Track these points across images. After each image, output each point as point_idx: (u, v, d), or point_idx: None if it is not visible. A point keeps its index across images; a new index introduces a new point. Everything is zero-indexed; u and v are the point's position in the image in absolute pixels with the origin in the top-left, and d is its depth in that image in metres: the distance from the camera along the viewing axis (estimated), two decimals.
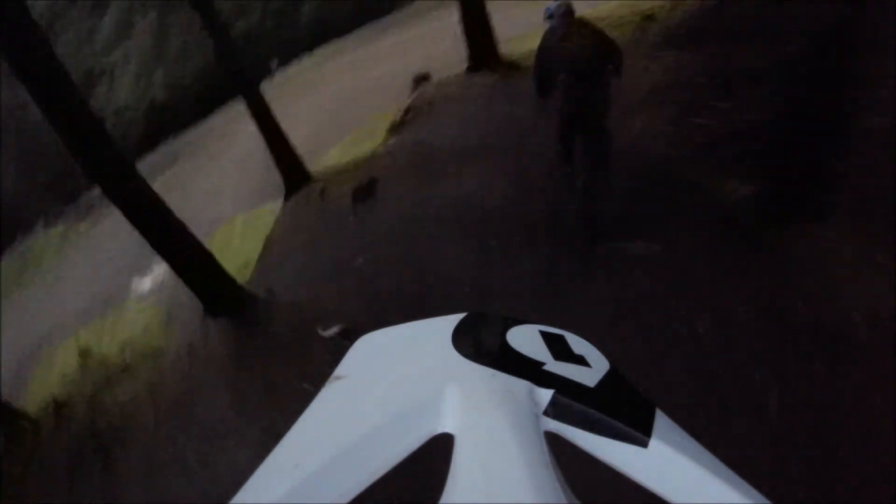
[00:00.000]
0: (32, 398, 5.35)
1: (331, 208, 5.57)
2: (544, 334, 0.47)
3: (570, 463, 0.37)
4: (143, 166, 11.26)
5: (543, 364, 0.43)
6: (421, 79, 8.01)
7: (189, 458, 3.13)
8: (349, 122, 8.37)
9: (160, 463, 3.19)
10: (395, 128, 6.85)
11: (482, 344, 0.46)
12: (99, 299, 7.51)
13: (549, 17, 2.89)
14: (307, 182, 6.42)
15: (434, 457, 0.36)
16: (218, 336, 4.16)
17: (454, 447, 0.34)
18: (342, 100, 9.87)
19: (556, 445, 0.36)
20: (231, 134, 11.11)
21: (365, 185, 5.53)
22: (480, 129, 5.48)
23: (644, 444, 0.37)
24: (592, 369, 0.43)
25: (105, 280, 8.17)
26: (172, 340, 4.92)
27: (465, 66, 7.19)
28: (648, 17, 5.99)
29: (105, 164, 3.66)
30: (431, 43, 8.97)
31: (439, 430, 0.36)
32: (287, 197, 6.35)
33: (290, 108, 9.53)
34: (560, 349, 0.45)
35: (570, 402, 0.39)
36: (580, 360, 0.44)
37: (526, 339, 0.47)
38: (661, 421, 0.39)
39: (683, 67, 4.60)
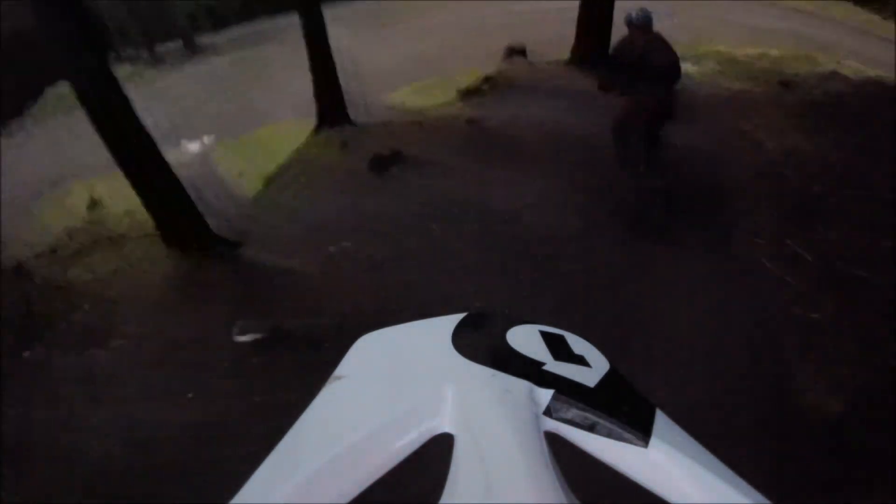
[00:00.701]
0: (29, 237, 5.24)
1: (344, 167, 5.19)
2: (544, 334, 0.47)
3: (570, 463, 0.38)
4: (230, 35, 11.36)
5: (543, 364, 0.43)
6: (514, 51, 7.16)
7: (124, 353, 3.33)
8: (430, 64, 7.95)
9: (96, 340, 3.40)
10: (466, 94, 6.39)
11: (482, 344, 0.46)
12: None
13: (630, 22, 3.22)
14: (341, 123, 5.98)
15: (434, 457, 0.37)
16: (171, 261, 4.16)
17: (454, 447, 0.34)
18: (434, 38, 9.17)
19: (556, 445, 0.36)
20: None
21: (387, 157, 4.91)
22: (558, 128, 5.10)
23: (644, 445, 0.37)
24: (592, 369, 0.44)
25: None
26: None
27: (566, 56, 6.74)
28: (784, 84, 5.51)
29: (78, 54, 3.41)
30: (544, 19, 8.34)
31: (439, 430, 0.37)
32: (316, 130, 6.00)
33: (372, 34, 9.21)
34: (560, 349, 0.46)
35: (570, 402, 0.39)
36: (580, 360, 0.45)
37: (526, 338, 0.47)
38: (661, 421, 0.39)
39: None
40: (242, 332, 3.11)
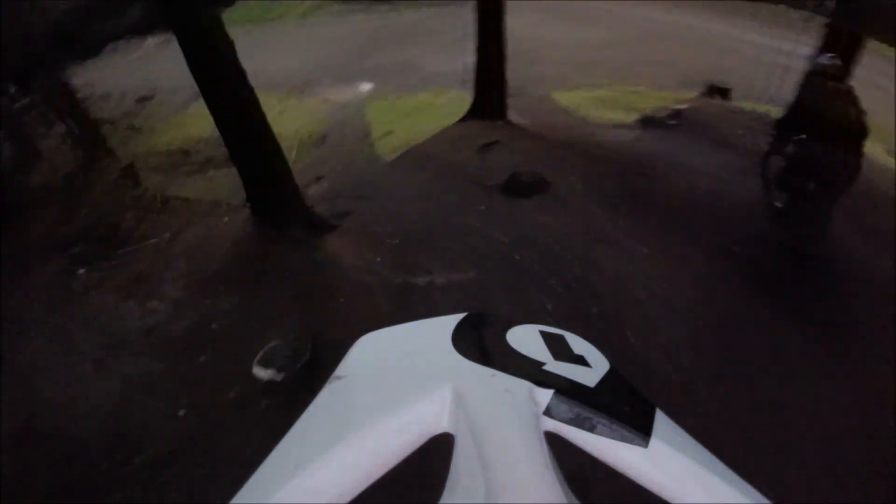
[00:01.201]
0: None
1: (474, 174, 4.53)
2: (544, 334, 0.47)
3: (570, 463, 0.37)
4: None
5: (543, 364, 0.43)
6: (715, 90, 5.96)
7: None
8: (617, 69, 7.21)
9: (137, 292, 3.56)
10: (648, 122, 5.29)
11: (482, 344, 0.46)
12: (300, 78, 8.06)
13: (819, 70, 3.07)
14: (494, 118, 5.34)
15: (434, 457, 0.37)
16: (250, 228, 4.04)
17: (454, 447, 0.35)
18: (624, 41, 8.30)
19: (556, 445, 0.36)
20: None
21: (527, 183, 4.07)
22: (741, 200, 4.09)
23: (644, 444, 0.37)
24: (592, 369, 0.44)
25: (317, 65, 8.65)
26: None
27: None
28: None
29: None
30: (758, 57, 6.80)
31: (439, 430, 0.37)
32: (465, 118, 5.48)
33: (554, 23, 8.71)
34: (560, 349, 0.45)
35: (570, 402, 0.39)
36: (580, 360, 0.45)
37: (526, 339, 0.47)
38: (661, 421, 0.39)
39: None
40: (264, 364, 2.54)
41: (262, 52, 9.57)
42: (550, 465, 0.33)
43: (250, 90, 3.43)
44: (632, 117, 5.65)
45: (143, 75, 7.28)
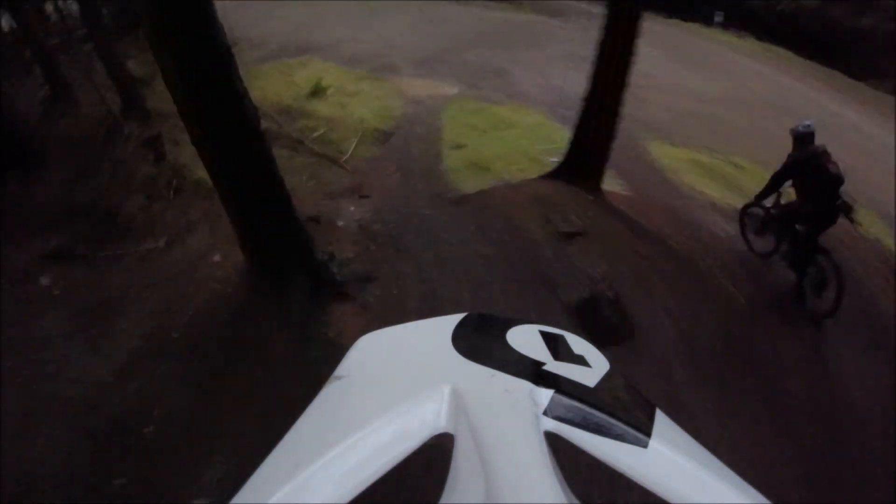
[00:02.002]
0: None
1: (524, 253, 4.15)
2: (544, 334, 0.50)
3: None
4: None
5: (543, 364, 0.46)
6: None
7: None
8: (719, 125, 7.47)
9: None
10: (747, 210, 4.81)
11: (482, 344, 0.50)
12: (384, 60, 8.65)
13: (799, 136, 3.97)
14: (578, 179, 4.99)
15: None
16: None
17: (454, 447, 0.38)
18: (739, 94, 8.62)
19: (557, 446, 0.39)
20: None
21: (601, 318, 3.57)
22: None
23: (644, 445, 0.39)
24: (592, 369, 0.46)
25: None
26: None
27: None
28: None
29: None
30: None
31: (439, 430, 0.40)
32: (556, 170, 5.18)
33: (669, 65, 8.96)
34: (560, 349, 0.48)
35: (570, 402, 0.42)
36: (580, 360, 0.47)
37: (526, 339, 0.50)
38: (661, 421, 0.41)
39: None
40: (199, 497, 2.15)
41: (357, 23, 10.08)
42: (550, 465, 0.36)
43: (254, 109, 2.92)
44: (732, 198, 5.69)
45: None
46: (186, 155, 4.79)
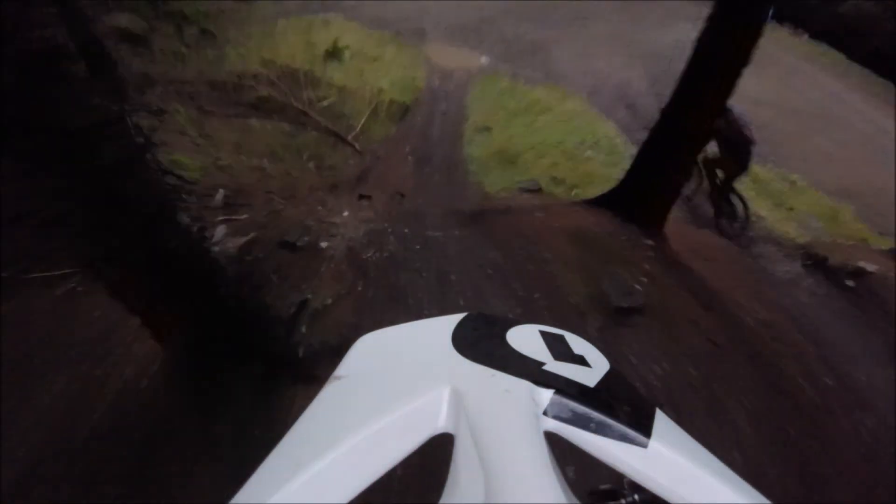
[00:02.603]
0: None
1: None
2: (544, 334, 0.54)
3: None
4: None
5: (543, 364, 0.50)
6: None
7: None
8: (764, 136, 7.10)
9: None
10: (816, 265, 4.85)
11: (482, 344, 0.54)
12: (414, 23, 8.67)
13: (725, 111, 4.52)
14: (645, 216, 4.51)
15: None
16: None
17: (454, 447, 0.42)
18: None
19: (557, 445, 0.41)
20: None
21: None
22: None
23: (644, 445, 0.43)
24: (592, 369, 0.50)
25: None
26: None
27: None
28: None
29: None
30: None
31: (439, 430, 0.44)
32: (611, 196, 4.75)
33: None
34: (560, 349, 0.52)
35: (570, 402, 0.45)
36: (580, 360, 0.51)
37: (526, 339, 0.54)
38: (661, 421, 0.45)
39: None
40: None
41: None
42: (550, 465, 0.39)
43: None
44: (790, 226, 5.68)
45: None
46: (178, 127, 4.89)
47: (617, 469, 0.41)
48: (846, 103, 9.32)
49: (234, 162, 4.72)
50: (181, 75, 5.63)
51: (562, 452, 0.42)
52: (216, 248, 3.31)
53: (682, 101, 3.88)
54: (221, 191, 4.13)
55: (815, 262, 4.92)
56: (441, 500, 0.38)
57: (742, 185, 5.49)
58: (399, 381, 0.47)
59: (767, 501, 0.38)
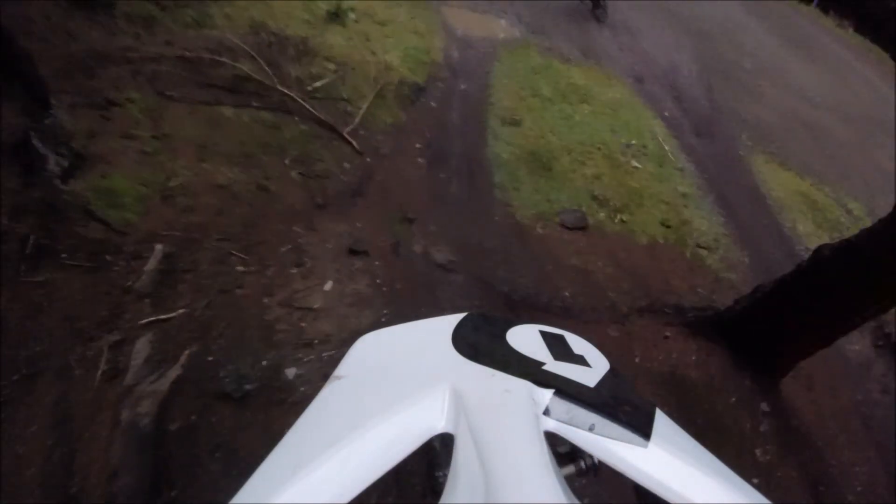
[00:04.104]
0: None
1: None
2: (544, 334, 0.70)
3: None
4: None
5: (543, 364, 0.66)
6: None
7: None
8: (821, 145, 8.13)
9: None
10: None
11: (482, 344, 0.70)
12: None
13: None
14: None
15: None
16: None
17: (454, 447, 0.56)
18: None
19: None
20: None
21: None
22: None
23: (644, 445, 0.57)
24: (592, 369, 0.66)
25: None
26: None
27: None
28: None
29: None
30: None
31: (439, 430, 0.59)
32: (690, 321, 4.67)
33: None
34: (560, 349, 0.68)
35: (570, 401, 0.60)
36: (580, 360, 0.67)
37: (526, 339, 0.70)
38: (661, 421, 0.60)
39: None
40: None
41: None
42: (550, 465, 0.52)
43: None
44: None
45: None
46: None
47: (617, 469, 0.53)
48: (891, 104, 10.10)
49: (191, 178, 4.43)
50: (145, 50, 5.54)
51: None
52: (126, 416, 2.91)
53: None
54: (159, 248, 3.77)
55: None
56: (441, 500, 0.48)
57: (801, 213, 5.97)
58: (399, 381, 0.61)
59: (767, 501, 0.50)
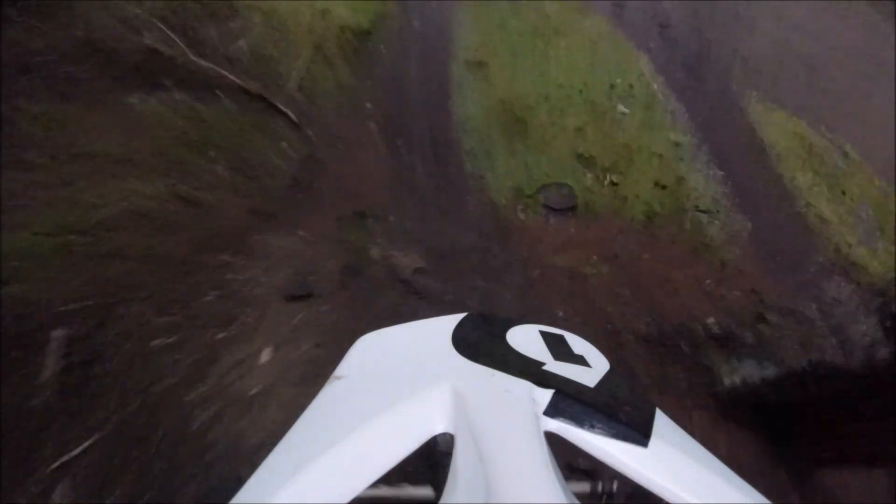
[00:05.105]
0: None
1: None
2: (544, 334, 0.82)
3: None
4: None
5: (543, 364, 0.79)
6: None
7: None
8: (816, 81, 8.15)
9: None
10: None
11: (482, 344, 0.82)
12: None
13: None
14: None
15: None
16: None
17: (454, 447, 0.66)
18: None
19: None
20: None
21: None
22: None
23: (644, 445, 0.69)
24: (592, 369, 0.78)
25: None
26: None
27: None
28: None
29: None
30: None
31: (439, 430, 0.69)
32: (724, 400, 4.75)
33: None
34: (560, 349, 0.80)
35: (570, 402, 0.73)
36: (580, 360, 0.79)
37: (526, 339, 0.83)
38: (661, 421, 0.72)
39: None
40: None
41: None
42: (550, 465, 0.62)
43: None
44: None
45: None
46: None
47: (617, 469, 0.63)
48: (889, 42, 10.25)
49: (94, 206, 3.97)
50: (40, 39, 4.91)
51: None
52: None
53: None
54: (59, 335, 3.37)
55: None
56: (441, 500, 0.58)
57: (799, 160, 6.16)
58: (399, 381, 0.71)
59: (767, 501, 0.60)
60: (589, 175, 5.60)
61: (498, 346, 0.65)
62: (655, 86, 6.68)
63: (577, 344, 0.68)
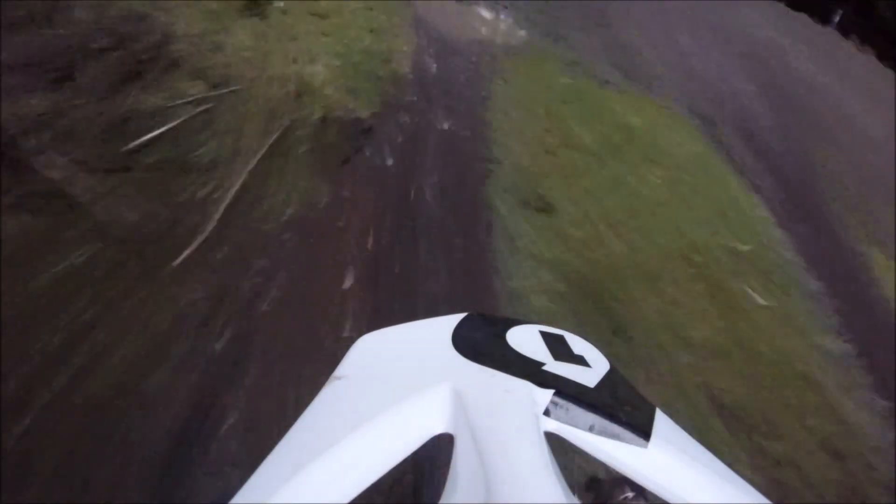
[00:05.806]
0: None
1: None
2: (544, 334, 0.92)
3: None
4: None
5: (543, 364, 0.88)
6: None
7: None
8: None
9: None
10: None
11: (482, 344, 0.92)
12: None
13: None
14: None
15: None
16: None
17: (454, 447, 0.69)
18: None
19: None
20: None
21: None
22: None
23: (644, 445, 0.76)
24: (592, 369, 0.88)
25: None
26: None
27: None
28: None
29: None
30: None
31: (439, 431, 0.72)
32: None
33: None
34: (560, 349, 0.90)
35: (570, 402, 0.81)
36: (580, 361, 0.89)
37: (526, 339, 0.92)
38: (661, 421, 0.81)
39: None
40: None
41: None
42: (550, 465, 0.64)
43: None
44: None
45: None
46: None
47: (617, 469, 0.72)
48: None
49: None
50: None
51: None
52: None
53: None
54: None
55: None
56: (441, 501, 0.61)
57: None
58: (399, 381, 0.80)
59: (767, 501, 0.68)
60: (737, 447, 3.93)
61: (498, 347, 0.70)
62: (782, 249, 5.64)
63: (577, 344, 0.74)
